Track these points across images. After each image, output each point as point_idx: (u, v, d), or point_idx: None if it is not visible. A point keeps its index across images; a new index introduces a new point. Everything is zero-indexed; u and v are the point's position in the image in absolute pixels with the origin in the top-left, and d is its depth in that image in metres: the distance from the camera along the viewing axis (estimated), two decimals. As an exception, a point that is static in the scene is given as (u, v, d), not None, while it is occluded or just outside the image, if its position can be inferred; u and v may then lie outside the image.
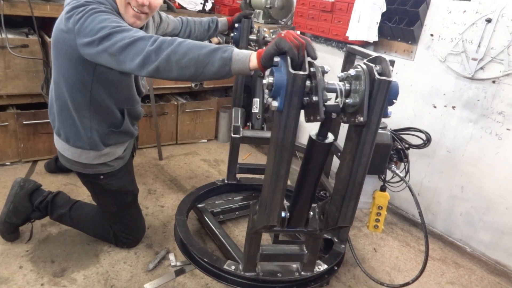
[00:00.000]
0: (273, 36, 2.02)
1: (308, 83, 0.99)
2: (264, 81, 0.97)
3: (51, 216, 1.76)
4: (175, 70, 1.09)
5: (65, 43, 1.30)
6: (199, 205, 2.10)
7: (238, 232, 2.10)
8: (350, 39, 2.31)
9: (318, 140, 1.14)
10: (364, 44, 2.37)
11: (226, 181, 2.18)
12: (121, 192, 1.69)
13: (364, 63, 1.01)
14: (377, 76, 0.95)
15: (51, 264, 1.69)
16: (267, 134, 2.09)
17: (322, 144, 1.15)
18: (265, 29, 2.02)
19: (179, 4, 3.22)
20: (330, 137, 1.16)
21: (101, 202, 1.72)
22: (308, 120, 1.01)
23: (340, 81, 1.06)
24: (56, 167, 2.36)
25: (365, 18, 2.25)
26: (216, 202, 2.18)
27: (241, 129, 1.99)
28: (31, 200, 1.74)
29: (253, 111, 2.09)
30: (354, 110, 1.00)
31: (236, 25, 1.97)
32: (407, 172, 1.55)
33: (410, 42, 2.24)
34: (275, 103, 0.97)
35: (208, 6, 3.28)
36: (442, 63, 2.11)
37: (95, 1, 1.29)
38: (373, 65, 0.99)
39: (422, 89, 2.24)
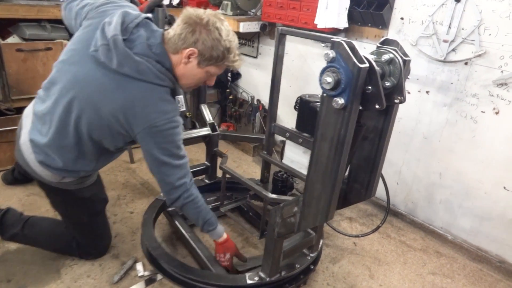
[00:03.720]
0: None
1: None
2: (329, 80, 0.98)
3: (2, 236, 1.63)
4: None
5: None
6: (169, 209, 2.00)
7: (212, 235, 2.01)
8: (319, 26, 2.22)
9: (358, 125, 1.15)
10: (335, 31, 2.29)
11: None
12: (93, 200, 1.61)
13: (390, 48, 1.10)
14: (404, 58, 1.06)
15: (7, 284, 1.57)
16: (202, 131, 2.04)
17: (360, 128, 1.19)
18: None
19: (145, -1, 3.09)
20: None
21: (70, 213, 1.61)
22: (366, 109, 1.06)
23: None
24: (14, 178, 2.22)
25: (333, 4, 2.16)
26: (188, 204, 2.08)
27: None
28: None
29: (180, 110, 1.99)
30: (388, 92, 1.08)
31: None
32: None
33: (380, 27, 2.16)
34: (341, 101, 0.98)
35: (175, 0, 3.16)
36: (414, 47, 2.03)
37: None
38: (396, 48, 1.09)
39: (395, 75, 2.16)
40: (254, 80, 3.12)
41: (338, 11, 2.18)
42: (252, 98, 3.03)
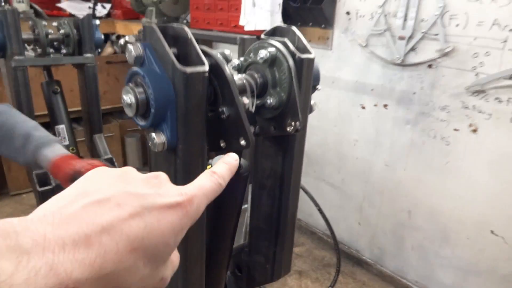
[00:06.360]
0: (62, 31, 1.38)
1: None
2: (127, 99, 0.49)
3: None
4: None
5: None
6: None
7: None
8: (246, 29, 1.76)
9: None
10: (270, 34, 1.83)
11: None
12: None
13: (275, 40, 0.64)
14: (299, 54, 0.63)
15: None
16: None
17: (241, 178, 0.66)
18: (44, 22, 1.37)
19: (69, 12, 2.67)
20: (243, 161, 0.68)
21: None
22: (229, 148, 0.57)
23: (238, 72, 0.67)
24: None
25: (263, 0, 1.71)
26: None
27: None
28: None
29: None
30: (277, 113, 0.66)
31: None
32: None
33: (323, 25, 1.70)
34: (160, 138, 0.50)
35: (102, 11, 2.72)
36: (364, 49, 1.58)
37: None
38: (284, 38, 0.65)
39: (345, 86, 1.70)
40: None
41: (271, 8, 1.73)
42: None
